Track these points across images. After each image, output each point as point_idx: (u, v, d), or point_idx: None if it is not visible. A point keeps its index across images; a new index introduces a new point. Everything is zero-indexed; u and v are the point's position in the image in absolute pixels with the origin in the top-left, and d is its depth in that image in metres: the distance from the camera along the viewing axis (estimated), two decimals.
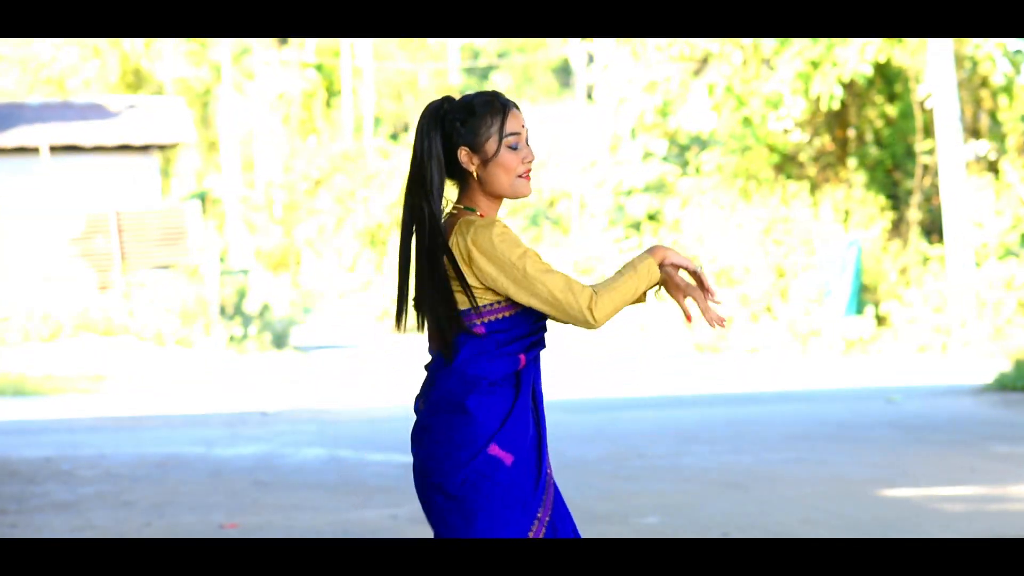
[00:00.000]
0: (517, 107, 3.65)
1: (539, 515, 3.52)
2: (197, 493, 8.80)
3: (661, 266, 3.63)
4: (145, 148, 23.78)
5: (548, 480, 3.57)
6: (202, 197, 36.32)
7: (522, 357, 3.60)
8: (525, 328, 3.60)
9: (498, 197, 3.63)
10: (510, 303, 3.57)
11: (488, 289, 3.55)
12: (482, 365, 3.55)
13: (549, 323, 3.65)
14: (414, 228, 3.60)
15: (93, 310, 21.09)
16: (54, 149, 23.23)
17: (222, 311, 22.05)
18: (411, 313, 3.69)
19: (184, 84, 40.37)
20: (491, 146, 3.59)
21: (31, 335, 20.47)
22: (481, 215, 3.61)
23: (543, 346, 3.64)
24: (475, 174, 3.61)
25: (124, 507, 8.30)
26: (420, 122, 3.63)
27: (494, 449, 3.51)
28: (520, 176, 3.61)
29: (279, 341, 22.52)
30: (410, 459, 10.81)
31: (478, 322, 3.55)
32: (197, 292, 21.57)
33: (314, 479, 9.34)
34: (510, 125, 3.59)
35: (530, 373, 3.61)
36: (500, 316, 3.57)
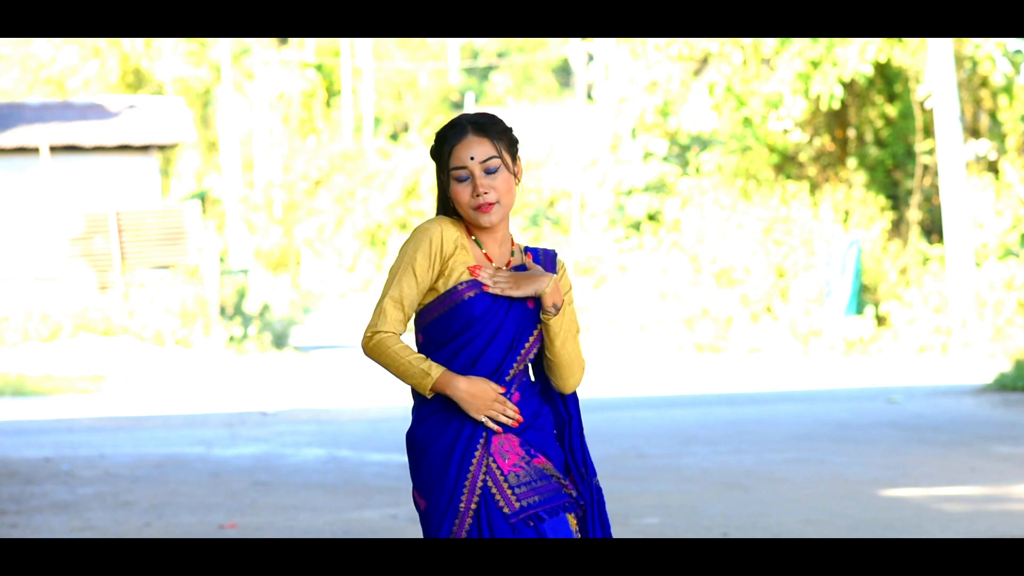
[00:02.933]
0: (480, 131, 3.55)
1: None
2: (196, 493, 8.80)
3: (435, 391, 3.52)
4: (145, 148, 23.78)
5: (458, 522, 3.51)
6: (202, 197, 36.32)
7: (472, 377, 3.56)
8: (442, 334, 3.55)
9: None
10: (438, 302, 3.55)
11: (431, 289, 3.57)
12: (417, 398, 3.61)
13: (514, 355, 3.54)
14: None
15: (92, 310, 21.08)
16: (54, 149, 23.22)
17: (222, 311, 22.04)
18: None
19: (184, 84, 40.36)
20: (443, 177, 3.58)
21: (30, 335, 20.46)
22: (467, 226, 3.61)
23: (497, 371, 3.53)
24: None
25: (123, 507, 8.30)
26: None
27: (414, 492, 3.60)
28: (476, 209, 3.53)
29: (279, 341, 22.52)
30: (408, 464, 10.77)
31: (420, 330, 3.62)
32: (197, 292, 21.57)
33: (314, 479, 9.34)
34: (456, 157, 3.53)
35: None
36: (430, 319, 3.57)
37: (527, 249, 3.67)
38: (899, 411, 12.96)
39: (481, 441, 3.52)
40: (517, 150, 3.60)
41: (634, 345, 22.84)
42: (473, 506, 3.51)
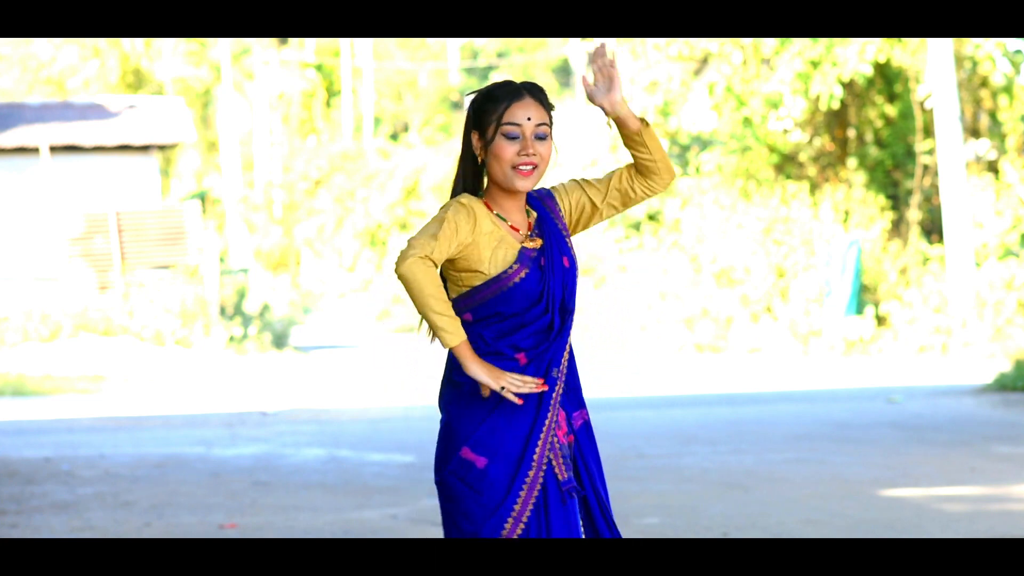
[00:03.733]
0: (536, 96, 3.60)
1: (513, 514, 3.52)
2: (196, 493, 8.80)
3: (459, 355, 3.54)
4: (145, 148, 23.78)
5: (531, 480, 3.54)
6: (202, 197, 36.31)
7: (520, 357, 3.58)
8: (507, 308, 3.58)
9: (500, 188, 3.61)
10: (487, 286, 3.57)
11: (468, 271, 3.57)
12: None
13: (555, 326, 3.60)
14: None
15: (92, 310, 21.08)
16: (54, 149, 23.22)
17: (222, 311, 22.04)
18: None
19: (184, 84, 40.35)
20: (490, 131, 3.58)
21: (30, 335, 20.46)
22: (486, 202, 3.62)
23: (552, 345, 3.58)
24: (481, 159, 3.62)
25: (123, 507, 8.30)
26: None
27: (466, 452, 3.56)
28: (517, 168, 3.57)
29: (279, 341, 22.52)
30: (409, 459, 10.81)
31: (464, 308, 3.60)
32: (197, 292, 21.57)
33: (314, 479, 9.34)
34: (511, 114, 3.56)
35: (537, 372, 3.58)
36: (481, 301, 3.57)
37: (528, 197, 3.71)
38: (899, 411, 12.96)
39: (551, 402, 3.57)
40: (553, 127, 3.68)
41: (634, 345, 22.83)
42: (543, 467, 3.56)
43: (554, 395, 3.59)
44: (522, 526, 3.52)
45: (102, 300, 21.73)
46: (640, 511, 7.79)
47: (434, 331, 3.51)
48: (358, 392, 16.23)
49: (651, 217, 27.05)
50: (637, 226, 27.35)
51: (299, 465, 10.04)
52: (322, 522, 7.69)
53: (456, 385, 3.60)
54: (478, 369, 3.50)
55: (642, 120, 3.65)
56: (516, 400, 3.51)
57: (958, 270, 19.82)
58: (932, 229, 22.81)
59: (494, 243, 3.56)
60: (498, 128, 3.56)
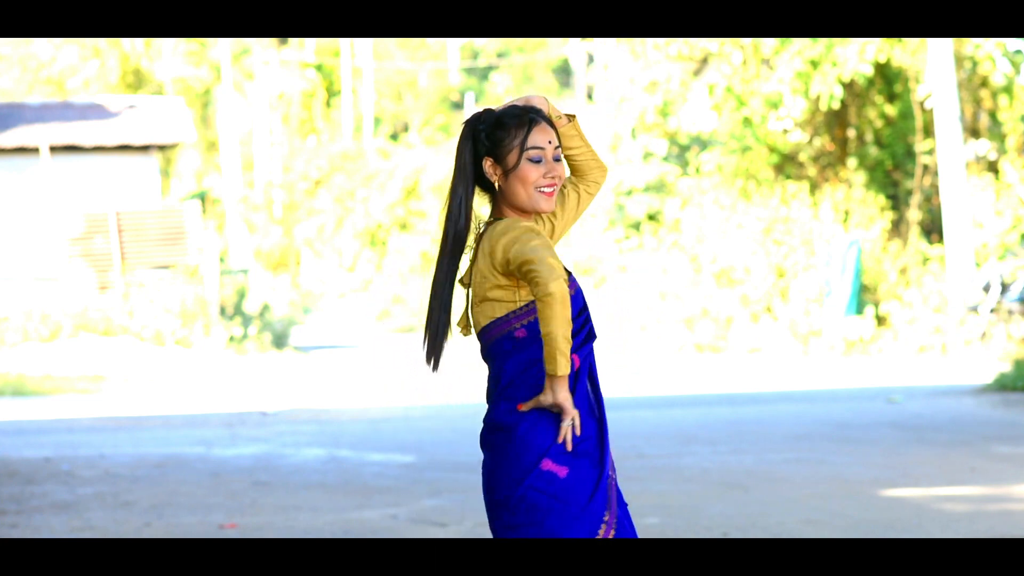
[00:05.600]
0: (550, 123, 3.68)
1: (605, 518, 3.55)
2: (196, 493, 8.80)
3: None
4: (145, 148, 23.78)
5: (609, 482, 3.60)
6: (202, 197, 36.32)
7: (575, 358, 3.62)
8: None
9: (520, 210, 3.67)
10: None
11: (520, 285, 3.59)
12: (527, 385, 3.58)
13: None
14: (445, 236, 3.69)
15: (92, 310, 21.08)
16: (54, 149, 23.22)
17: (222, 311, 22.04)
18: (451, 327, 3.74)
19: (184, 84, 40.36)
20: (512, 158, 3.65)
21: (30, 335, 20.46)
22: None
23: (594, 337, 3.68)
24: (497, 185, 3.66)
25: (123, 507, 8.30)
26: (460, 133, 3.71)
27: (547, 464, 3.56)
28: (540, 190, 3.64)
29: (279, 341, 22.52)
30: (409, 459, 10.79)
31: (517, 325, 3.61)
32: (197, 292, 21.57)
33: (314, 479, 9.34)
34: (534, 139, 3.64)
35: (585, 372, 3.63)
36: (524, 302, 3.61)
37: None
38: (899, 411, 12.96)
39: (604, 405, 3.67)
40: None
41: (634, 345, 22.83)
42: (612, 472, 3.64)
43: (603, 397, 3.71)
44: (613, 530, 3.56)
45: (102, 300, 21.73)
46: (640, 511, 7.79)
47: (555, 355, 3.50)
48: (358, 392, 16.23)
49: (651, 217, 27.05)
50: (637, 226, 27.36)
51: (299, 465, 10.04)
52: (322, 522, 7.69)
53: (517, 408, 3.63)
54: (567, 397, 3.52)
55: (569, 116, 3.75)
56: (567, 442, 3.55)
57: (958, 270, 19.82)
58: (932, 229, 22.81)
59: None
60: (522, 153, 3.63)
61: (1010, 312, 19.36)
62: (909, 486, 8.66)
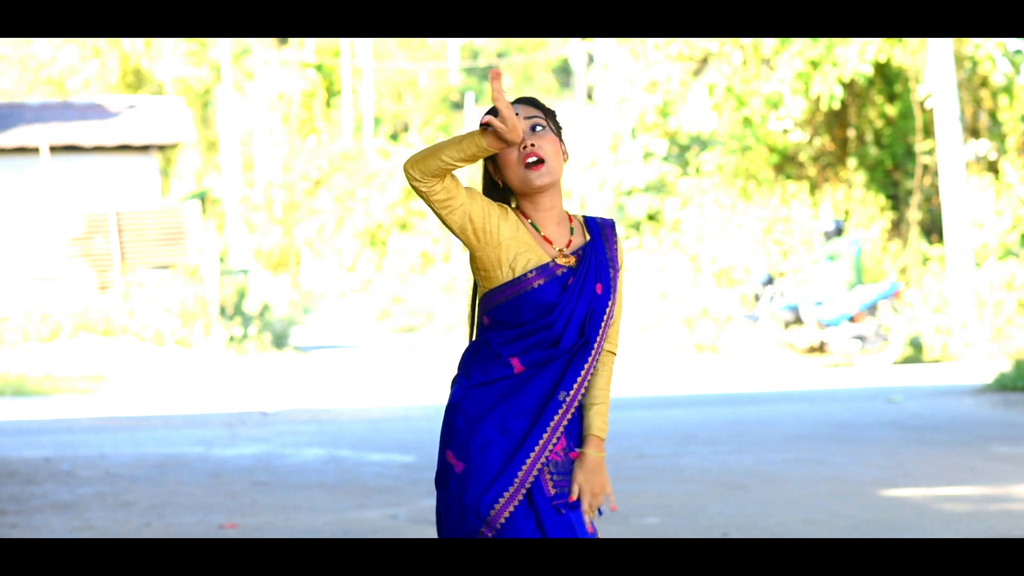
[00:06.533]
0: (525, 101, 3.62)
1: (487, 522, 3.53)
2: (196, 493, 8.80)
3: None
4: (145, 148, 23.78)
5: (509, 494, 3.53)
6: (202, 197, 36.31)
7: (515, 361, 3.59)
8: (514, 318, 3.58)
9: (525, 196, 3.63)
10: (502, 290, 3.59)
11: (486, 271, 3.59)
12: (472, 369, 3.61)
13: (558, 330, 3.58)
14: None
15: (92, 310, 21.08)
16: (54, 149, 23.22)
17: (222, 311, 22.04)
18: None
19: (184, 84, 40.37)
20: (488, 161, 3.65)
21: (30, 335, 20.46)
22: (522, 214, 3.66)
23: (558, 363, 3.57)
24: (499, 183, 3.66)
25: (123, 507, 8.30)
26: None
27: (449, 455, 3.60)
28: (525, 167, 3.57)
29: (279, 341, 22.52)
30: (409, 459, 10.79)
31: (484, 310, 3.64)
32: (197, 292, 21.57)
33: (314, 479, 9.34)
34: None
35: (538, 389, 3.57)
36: (495, 304, 3.60)
37: (585, 219, 3.70)
38: (899, 411, 12.96)
39: (550, 425, 3.55)
40: (562, 132, 3.67)
41: (634, 345, 22.82)
42: (529, 483, 3.55)
43: (555, 419, 3.56)
44: (492, 534, 3.54)
45: (102, 300, 21.73)
46: (640, 511, 7.79)
47: (463, 151, 3.44)
48: (358, 392, 16.23)
49: (651, 217, 27.05)
50: (637, 226, 27.34)
51: (299, 465, 10.04)
52: (322, 522, 7.69)
53: (457, 382, 3.63)
54: (500, 113, 3.43)
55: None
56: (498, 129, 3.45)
57: (958, 270, 19.82)
58: (932, 229, 22.81)
59: (517, 248, 3.57)
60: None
61: (787, 323, 19.89)
62: (909, 486, 8.66)
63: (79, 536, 7.33)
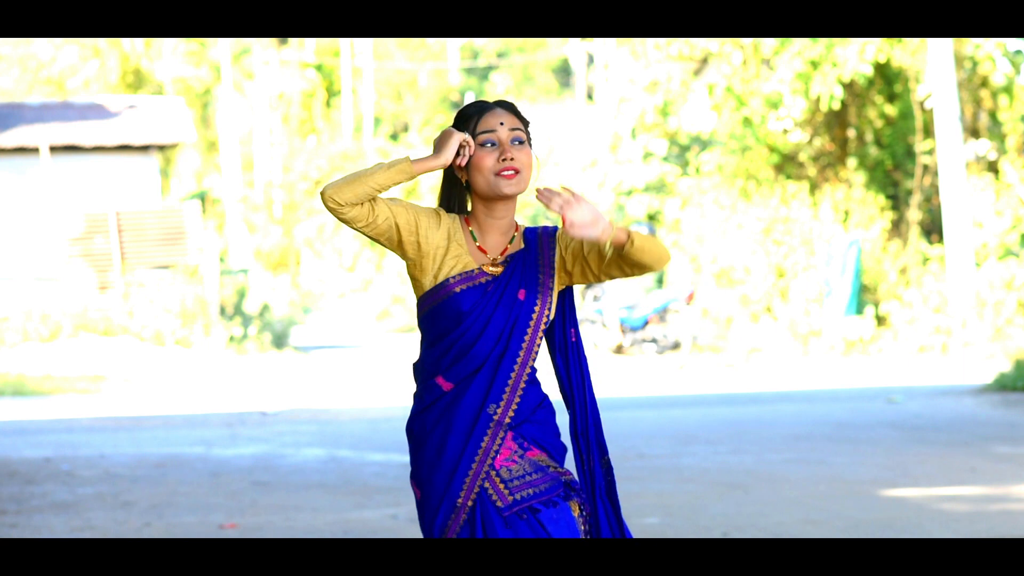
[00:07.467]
0: (508, 108, 3.58)
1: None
2: (196, 494, 8.80)
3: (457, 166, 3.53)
4: (145, 148, 23.78)
5: (454, 516, 3.53)
6: (202, 197, 36.30)
7: (440, 381, 3.56)
8: (434, 328, 3.56)
9: (486, 199, 3.58)
10: (427, 297, 3.58)
11: (415, 279, 3.59)
12: (417, 393, 3.64)
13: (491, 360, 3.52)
14: None
15: (92, 310, 21.08)
16: (54, 149, 23.22)
17: (222, 311, 22.04)
18: None
19: (184, 84, 40.35)
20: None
21: (30, 335, 20.46)
22: (466, 219, 3.62)
23: (480, 376, 3.51)
24: (463, 179, 3.61)
25: (123, 507, 8.30)
26: None
27: (412, 483, 3.64)
28: (499, 175, 3.53)
29: (279, 341, 22.52)
30: (408, 459, 10.79)
31: (420, 323, 3.64)
32: (197, 292, 21.56)
33: (314, 479, 9.34)
34: (484, 123, 3.54)
35: (470, 405, 3.53)
36: (422, 314, 3.61)
37: (526, 230, 3.65)
38: (899, 411, 12.96)
39: (483, 443, 3.52)
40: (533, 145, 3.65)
41: (635, 345, 22.81)
42: (470, 503, 3.52)
43: (486, 436, 3.52)
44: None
45: (102, 300, 21.73)
46: (640, 511, 7.79)
47: (393, 179, 3.47)
48: (358, 392, 16.23)
49: (651, 217, 27.04)
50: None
51: (299, 465, 10.04)
52: (322, 522, 7.69)
53: (412, 415, 3.63)
54: (438, 147, 3.49)
55: (626, 230, 3.48)
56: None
57: (958, 270, 19.82)
58: (932, 229, 22.80)
59: (445, 256, 3.54)
60: (474, 140, 3.54)
61: (644, 340, 20.92)
62: (909, 486, 8.66)
63: (79, 536, 7.33)
